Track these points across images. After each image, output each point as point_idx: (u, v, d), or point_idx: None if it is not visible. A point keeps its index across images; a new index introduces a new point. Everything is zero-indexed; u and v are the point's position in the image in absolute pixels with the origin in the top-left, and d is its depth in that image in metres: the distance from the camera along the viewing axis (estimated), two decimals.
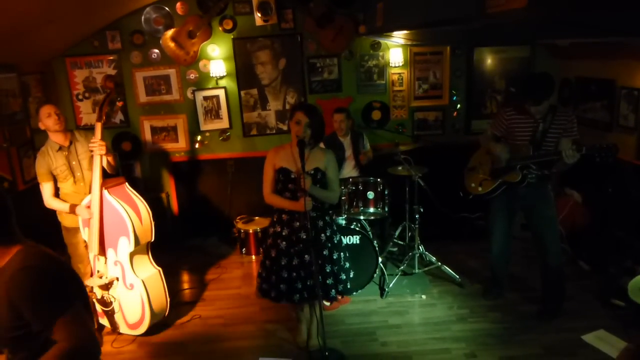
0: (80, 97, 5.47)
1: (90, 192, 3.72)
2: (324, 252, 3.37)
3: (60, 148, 3.71)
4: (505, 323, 3.93)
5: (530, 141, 3.65)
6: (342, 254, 3.52)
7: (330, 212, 3.53)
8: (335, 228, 3.53)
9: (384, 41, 5.48)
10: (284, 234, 3.35)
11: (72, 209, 3.67)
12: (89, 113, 5.49)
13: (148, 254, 3.96)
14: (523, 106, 3.66)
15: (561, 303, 3.95)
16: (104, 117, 3.73)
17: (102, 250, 3.71)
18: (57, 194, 3.78)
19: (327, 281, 3.37)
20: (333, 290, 3.40)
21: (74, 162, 3.75)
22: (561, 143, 3.57)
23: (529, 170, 3.69)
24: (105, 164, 3.71)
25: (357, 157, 5.00)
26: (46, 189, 3.71)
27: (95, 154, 3.61)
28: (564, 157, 3.34)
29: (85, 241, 3.81)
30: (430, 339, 3.77)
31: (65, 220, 3.83)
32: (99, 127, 3.67)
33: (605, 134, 4.73)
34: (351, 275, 3.56)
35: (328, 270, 3.38)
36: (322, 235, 3.38)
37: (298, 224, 3.29)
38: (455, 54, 5.60)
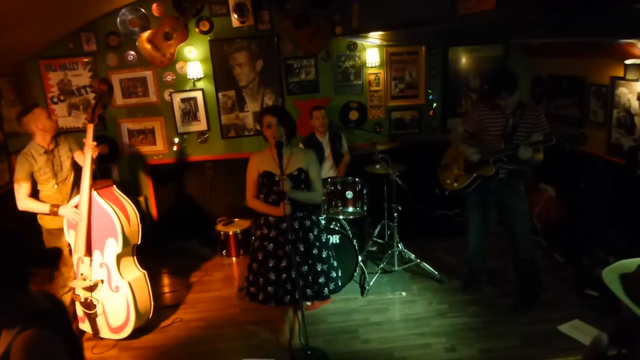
0: (55, 100, 5.39)
1: (72, 194, 3.72)
2: (314, 251, 3.40)
3: (45, 151, 3.67)
4: (483, 316, 4.01)
5: (501, 136, 3.76)
6: (330, 252, 3.55)
7: (315, 212, 3.56)
8: (323, 227, 3.57)
9: (360, 42, 5.53)
10: (271, 235, 3.36)
11: (53, 210, 3.61)
12: (64, 116, 5.43)
13: (134, 256, 3.94)
14: (494, 102, 3.76)
15: (537, 295, 4.05)
16: (96, 119, 3.73)
17: (89, 252, 3.68)
18: (35, 196, 3.71)
19: (320, 280, 3.40)
20: (326, 289, 3.43)
21: (57, 165, 3.72)
22: (532, 137, 3.68)
23: (502, 164, 3.79)
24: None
25: (335, 157, 5.04)
26: (23, 189, 3.62)
27: (87, 154, 3.60)
28: (519, 153, 3.50)
29: (69, 244, 3.77)
30: (411, 334, 3.83)
31: (47, 222, 3.76)
32: (90, 128, 3.66)
33: (574, 129, 4.85)
34: (339, 273, 3.60)
35: (319, 269, 3.40)
36: (310, 234, 3.41)
37: (285, 225, 3.30)
38: (431, 53, 5.68)
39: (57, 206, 3.63)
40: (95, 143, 3.65)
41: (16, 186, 3.65)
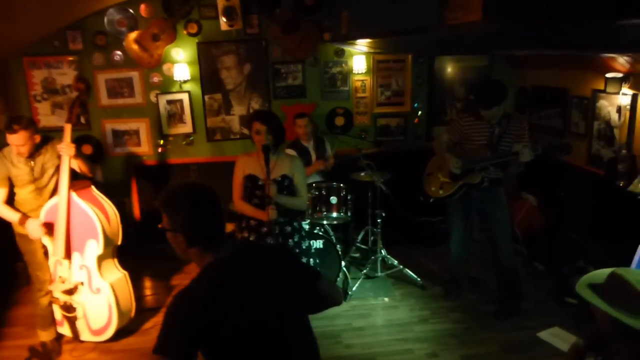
0: (38, 98, 5.32)
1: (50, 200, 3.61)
2: None
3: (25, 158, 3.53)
4: (465, 323, 4.05)
5: (487, 145, 3.81)
6: (311, 260, 3.55)
7: (298, 218, 3.57)
8: (304, 234, 3.57)
9: (348, 48, 5.56)
10: (251, 239, 3.35)
11: (23, 221, 3.49)
12: (47, 115, 5.36)
13: (114, 258, 3.90)
14: (478, 112, 3.82)
15: (518, 302, 4.11)
16: (74, 119, 3.62)
17: (68, 255, 3.61)
18: (11, 199, 3.63)
19: None
20: None
21: (37, 173, 3.57)
22: (515, 147, 3.75)
23: (487, 172, 3.85)
24: (75, 168, 3.62)
25: None
26: None
27: (64, 155, 3.50)
28: (520, 156, 3.50)
29: (44, 246, 3.69)
30: (393, 340, 3.86)
31: (18, 227, 3.63)
32: (68, 128, 3.56)
33: (559, 139, 4.94)
34: None
35: None
36: (290, 240, 3.41)
37: (266, 229, 3.30)
38: (417, 62, 5.74)
39: (27, 218, 3.51)
40: (74, 145, 3.53)
41: None
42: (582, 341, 2.20)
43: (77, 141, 5.34)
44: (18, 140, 3.38)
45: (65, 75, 5.28)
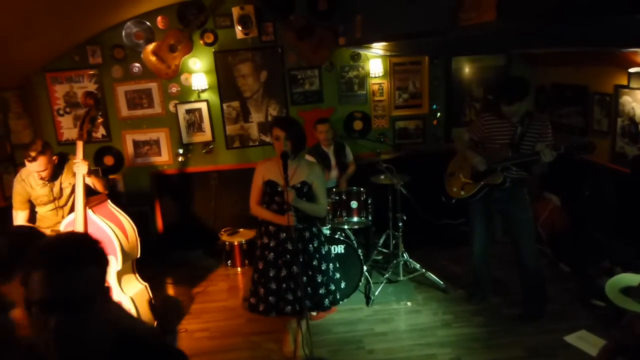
0: (61, 112, 5.44)
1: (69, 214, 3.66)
2: (313, 263, 3.40)
3: (42, 178, 3.59)
4: (489, 327, 3.98)
5: (509, 144, 3.75)
6: (331, 264, 3.54)
7: (318, 223, 3.57)
8: (324, 239, 3.57)
9: (363, 52, 5.56)
10: (271, 245, 3.36)
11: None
12: (70, 128, 5.47)
13: (134, 270, 3.94)
14: (500, 110, 3.77)
15: (543, 305, 4.02)
16: (86, 135, 3.58)
17: None
18: (33, 216, 3.67)
19: (320, 291, 3.40)
20: (326, 300, 3.42)
21: (56, 193, 3.63)
22: (537, 146, 3.68)
23: (509, 172, 3.78)
24: (90, 185, 3.66)
25: (340, 168, 5.05)
26: (20, 217, 3.58)
27: (78, 173, 3.51)
28: (542, 156, 3.44)
29: None
30: (416, 345, 3.81)
31: None
32: (80, 145, 3.55)
33: (581, 138, 4.85)
34: (342, 286, 3.58)
35: (319, 281, 3.40)
36: (310, 246, 3.41)
37: (285, 234, 3.31)
38: (434, 63, 5.70)
39: (57, 232, 3.58)
40: (87, 162, 3.53)
41: (14, 212, 3.62)
42: (611, 345, 2.15)
43: (98, 153, 5.49)
44: (39, 167, 3.43)
45: (86, 89, 5.38)
